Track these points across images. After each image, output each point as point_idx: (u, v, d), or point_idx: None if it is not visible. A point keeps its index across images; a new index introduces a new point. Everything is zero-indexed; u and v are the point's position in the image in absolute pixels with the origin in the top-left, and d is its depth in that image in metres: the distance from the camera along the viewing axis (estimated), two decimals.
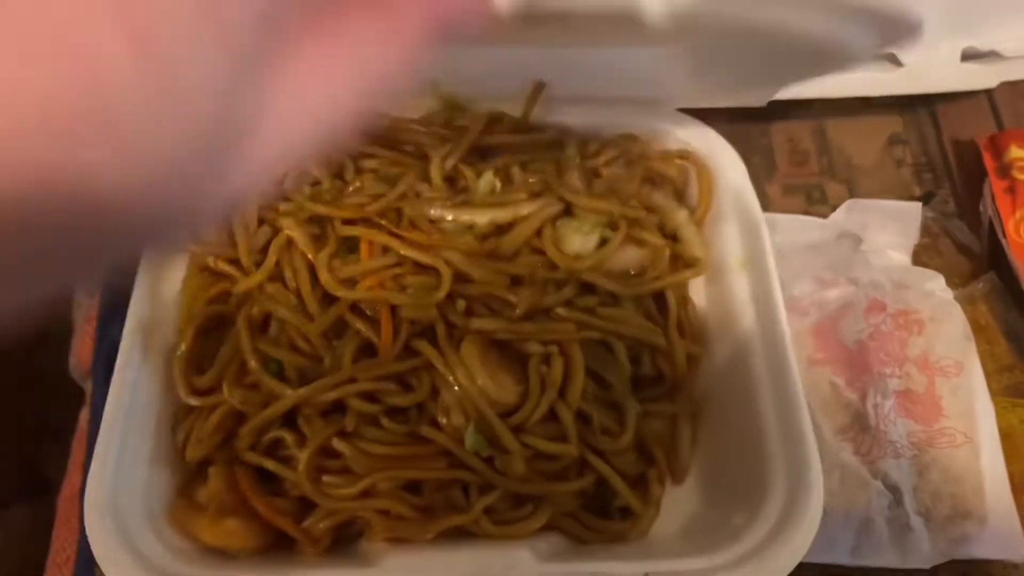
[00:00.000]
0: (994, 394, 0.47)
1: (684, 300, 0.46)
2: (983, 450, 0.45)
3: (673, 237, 0.47)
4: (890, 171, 0.58)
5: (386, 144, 0.48)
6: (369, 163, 0.46)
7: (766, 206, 0.56)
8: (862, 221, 0.53)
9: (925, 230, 0.54)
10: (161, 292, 0.43)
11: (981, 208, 0.53)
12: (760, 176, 0.58)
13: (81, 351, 0.58)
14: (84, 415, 0.54)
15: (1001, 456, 0.45)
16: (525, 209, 0.43)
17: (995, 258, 0.52)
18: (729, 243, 0.46)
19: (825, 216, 0.54)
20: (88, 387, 0.55)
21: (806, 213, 0.56)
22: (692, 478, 0.43)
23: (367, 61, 0.19)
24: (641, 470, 0.41)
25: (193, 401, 0.39)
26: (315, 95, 0.19)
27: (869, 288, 0.50)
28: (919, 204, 0.52)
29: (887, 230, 0.52)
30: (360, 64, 0.19)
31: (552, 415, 0.39)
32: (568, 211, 0.45)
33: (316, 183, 0.46)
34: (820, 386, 0.47)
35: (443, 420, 0.38)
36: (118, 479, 0.37)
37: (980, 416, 0.46)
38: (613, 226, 0.45)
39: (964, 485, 0.44)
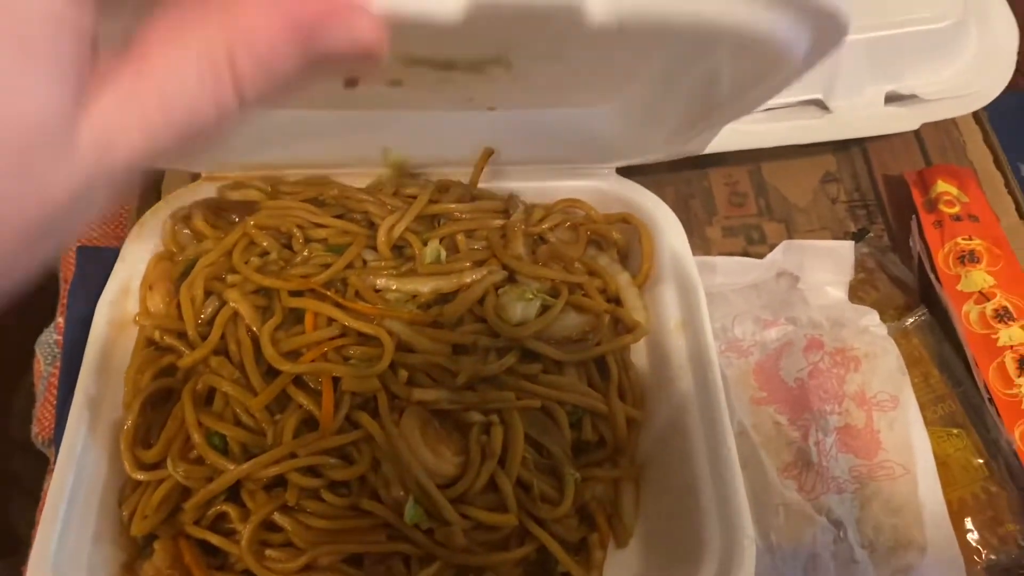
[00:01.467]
0: (930, 424, 0.49)
1: (625, 364, 0.47)
2: (921, 481, 0.47)
3: (616, 300, 0.49)
4: (825, 209, 0.60)
5: (335, 213, 0.49)
6: (317, 232, 0.47)
7: (707, 248, 0.59)
8: (798, 261, 0.55)
9: (861, 265, 0.56)
10: (110, 366, 0.44)
11: (911, 243, 0.56)
12: (701, 219, 0.60)
13: (43, 419, 0.59)
14: (48, 483, 0.54)
15: (939, 485, 0.47)
16: (468, 277, 0.44)
17: (926, 291, 0.54)
18: (668, 306, 0.48)
19: (763, 256, 0.56)
20: (51, 454, 0.56)
21: (746, 253, 0.58)
22: (634, 540, 0.44)
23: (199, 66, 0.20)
24: (583, 535, 0.42)
25: (139, 476, 0.40)
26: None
27: (807, 327, 0.52)
28: (851, 243, 0.54)
29: (823, 268, 0.54)
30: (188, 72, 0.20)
31: (493, 484, 0.40)
32: (512, 278, 0.46)
33: (265, 253, 0.47)
34: (764, 425, 0.49)
35: (384, 493, 0.38)
36: (61, 559, 0.37)
37: (917, 448, 0.48)
38: (555, 292, 0.46)
39: (904, 516, 0.46)
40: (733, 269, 0.55)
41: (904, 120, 0.57)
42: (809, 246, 0.55)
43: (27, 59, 0.19)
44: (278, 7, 0.20)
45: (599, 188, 0.53)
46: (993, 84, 0.58)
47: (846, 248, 0.54)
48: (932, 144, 0.62)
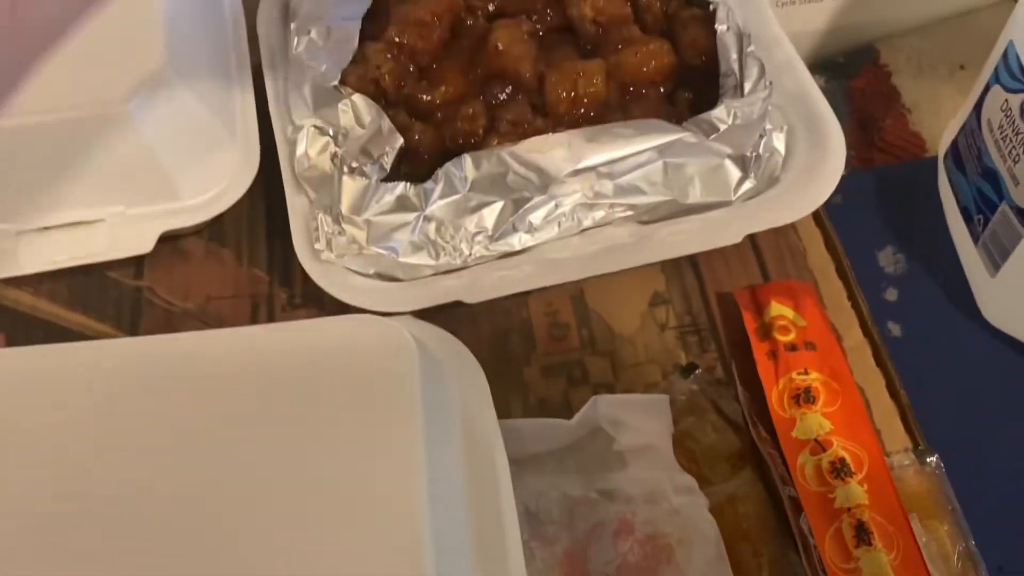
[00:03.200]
0: None
1: None
2: None
3: None
4: (653, 337, 0.53)
5: None
6: None
7: (525, 393, 0.51)
8: (614, 416, 0.47)
9: (691, 407, 0.49)
10: None
11: (736, 380, 0.49)
12: (518, 358, 0.53)
13: None
14: None
15: None
16: None
17: (754, 443, 0.47)
18: None
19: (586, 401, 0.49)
20: None
21: (566, 396, 0.51)
22: None
23: None
24: None
25: None
26: None
27: (621, 503, 0.45)
28: (666, 397, 0.47)
29: (640, 424, 0.47)
30: None
31: None
32: None
33: None
34: None
35: None
36: None
37: None
38: None
39: None
40: (540, 433, 0.47)
41: (726, 233, 0.50)
42: (622, 401, 0.48)
43: None
44: None
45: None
46: (824, 185, 0.51)
47: (661, 403, 0.47)
48: (769, 252, 0.55)
